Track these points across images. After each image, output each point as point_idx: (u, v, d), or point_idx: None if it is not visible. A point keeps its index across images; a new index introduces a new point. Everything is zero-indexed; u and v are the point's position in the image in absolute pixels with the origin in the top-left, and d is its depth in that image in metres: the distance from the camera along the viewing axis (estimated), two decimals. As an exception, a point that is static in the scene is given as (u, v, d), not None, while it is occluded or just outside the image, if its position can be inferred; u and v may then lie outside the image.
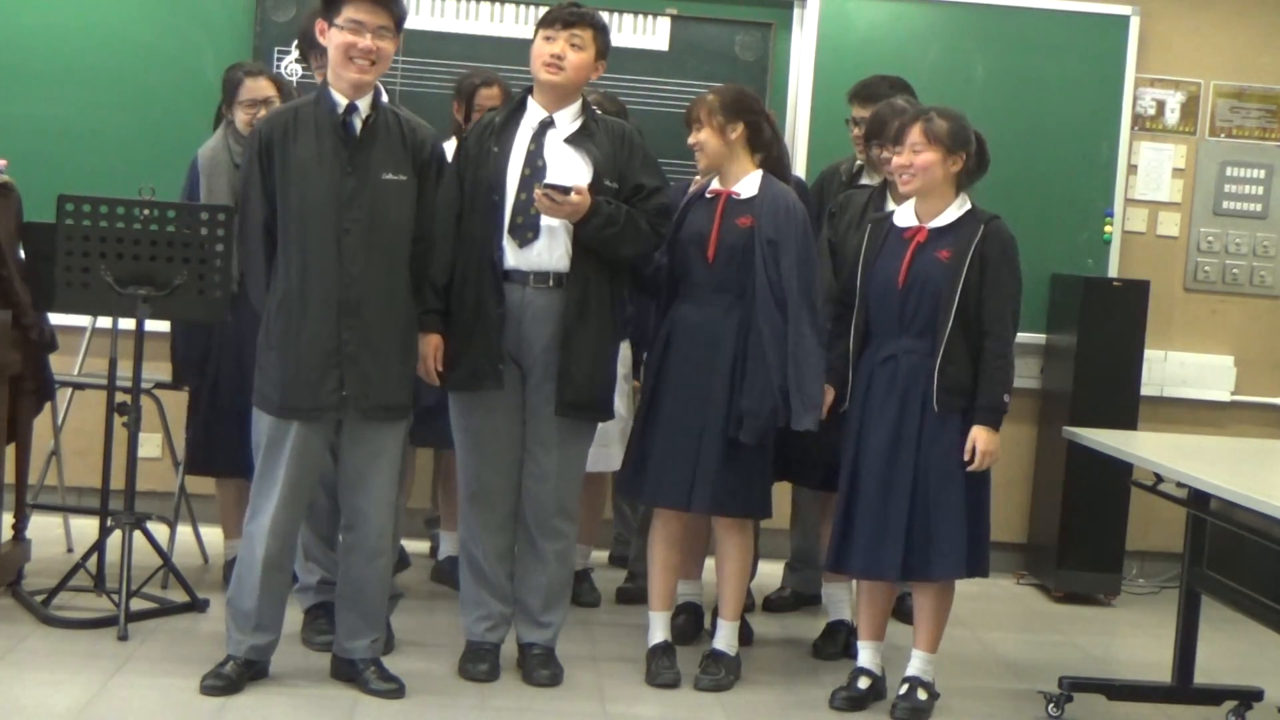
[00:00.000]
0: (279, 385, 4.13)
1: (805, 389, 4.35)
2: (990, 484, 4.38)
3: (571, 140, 4.36)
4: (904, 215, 4.41)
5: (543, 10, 4.46)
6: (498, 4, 6.11)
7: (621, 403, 4.98)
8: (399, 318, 4.20)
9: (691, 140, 4.51)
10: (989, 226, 4.31)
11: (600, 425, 4.59)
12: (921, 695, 4.40)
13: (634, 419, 4.66)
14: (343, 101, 4.14)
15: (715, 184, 4.54)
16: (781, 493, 4.96)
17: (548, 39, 4.33)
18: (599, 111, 4.51)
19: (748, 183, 4.50)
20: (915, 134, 4.29)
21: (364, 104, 4.15)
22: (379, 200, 4.14)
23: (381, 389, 4.16)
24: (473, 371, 4.31)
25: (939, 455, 4.26)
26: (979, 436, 4.24)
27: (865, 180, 5.15)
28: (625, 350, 4.98)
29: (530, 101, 4.40)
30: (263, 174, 4.14)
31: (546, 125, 4.36)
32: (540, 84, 4.36)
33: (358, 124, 4.14)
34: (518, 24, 6.05)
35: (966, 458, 4.24)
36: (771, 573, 5.56)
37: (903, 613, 5.07)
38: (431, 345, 4.30)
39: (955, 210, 4.34)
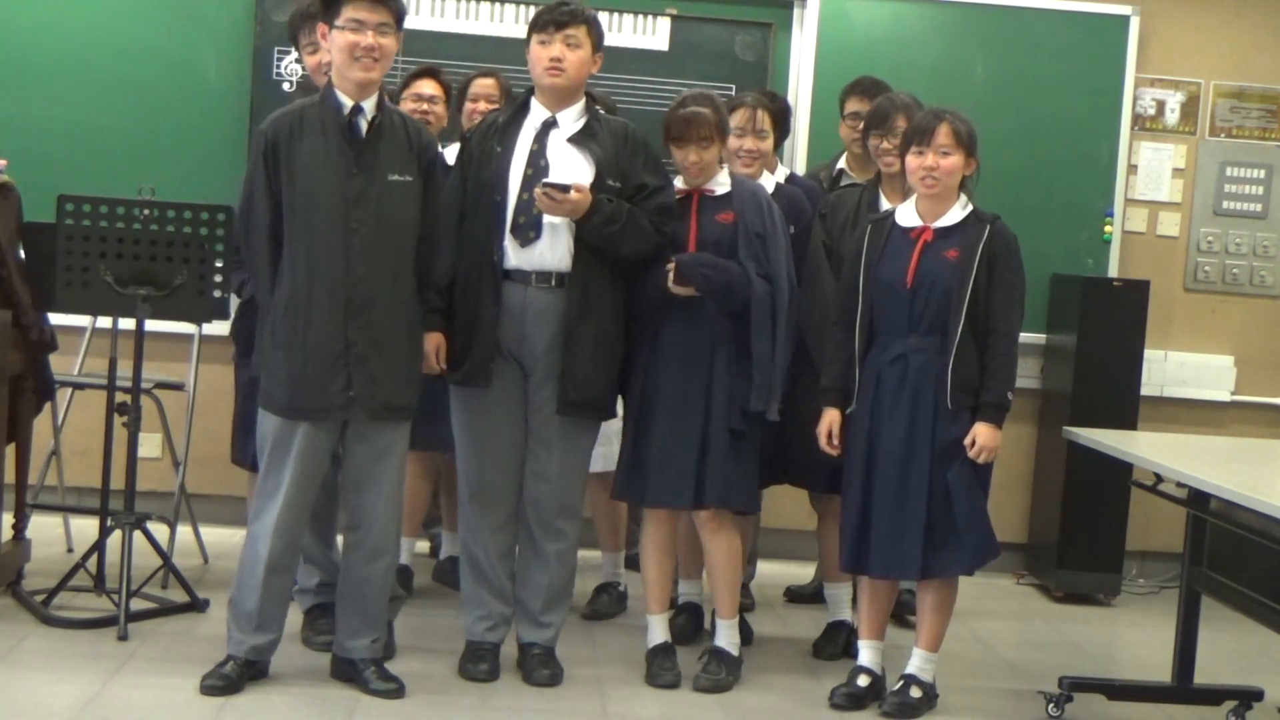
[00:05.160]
0: (286, 385, 4.13)
1: (772, 374, 4.39)
2: (991, 477, 4.39)
3: (574, 139, 4.36)
4: (906, 215, 4.40)
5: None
6: (498, 4, 6.11)
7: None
8: (405, 318, 4.20)
9: (693, 159, 4.43)
10: (995, 226, 4.33)
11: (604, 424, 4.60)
12: (915, 693, 4.40)
13: (624, 422, 4.64)
14: (348, 103, 4.13)
15: (679, 183, 4.54)
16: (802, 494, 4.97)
17: (543, 43, 4.33)
18: (602, 111, 4.51)
19: (720, 180, 4.51)
20: (944, 135, 4.28)
21: (369, 105, 4.15)
22: (385, 201, 4.14)
23: (388, 389, 4.16)
24: (468, 370, 4.33)
25: (954, 451, 4.27)
26: (980, 432, 4.25)
27: (849, 180, 5.14)
28: None
29: (533, 102, 4.40)
30: (268, 175, 4.14)
31: (550, 125, 4.37)
32: (543, 88, 4.36)
33: (363, 125, 4.14)
34: (518, 24, 6.03)
35: (969, 454, 4.25)
36: (774, 571, 5.56)
37: (901, 615, 5.08)
38: (434, 343, 4.32)
39: (959, 210, 4.35)
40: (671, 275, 4.34)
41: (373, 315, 4.13)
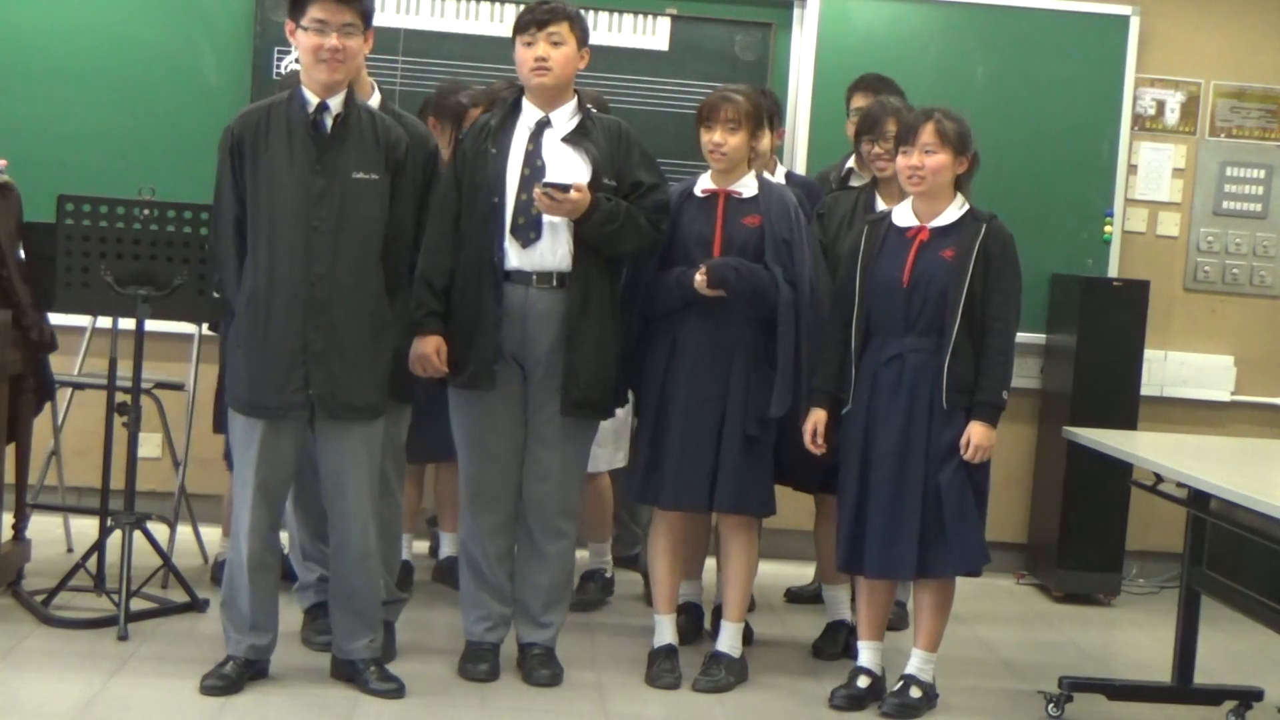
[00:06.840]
0: (246, 383, 4.13)
1: (794, 380, 4.39)
2: (989, 480, 4.39)
3: (569, 139, 4.36)
4: (903, 215, 4.41)
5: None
6: (498, 4, 6.11)
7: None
8: (368, 317, 4.17)
9: (717, 139, 4.42)
10: (991, 225, 4.33)
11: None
12: (915, 693, 4.40)
13: (638, 423, 4.63)
14: (314, 100, 4.12)
15: (707, 183, 4.53)
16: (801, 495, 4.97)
17: (528, 44, 4.32)
18: (594, 110, 4.50)
19: (747, 182, 4.49)
20: (928, 134, 4.28)
21: (335, 102, 4.13)
22: (348, 199, 4.12)
23: (348, 389, 4.13)
24: (472, 373, 4.32)
25: (948, 452, 4.27)
26: (975, 431, 4.25)
27: (854, 182, 5.14)
28: None
29: (525, 103, 4.40)
30: (234, 172, 4.13)
31: (543, 125, 4.36)
32: (532, 89, 4.36)
33: (329, 122, 4.13)
34: (518, 24, 6.05)
35: (963, 453, 4.25)
36: (774, 571, 5.55)
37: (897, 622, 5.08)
38: (432, 346, 4.30)
39: (955, 210, 4.35)
40: (700, 278, 4.33)
41: (333, 314, 4.10)
